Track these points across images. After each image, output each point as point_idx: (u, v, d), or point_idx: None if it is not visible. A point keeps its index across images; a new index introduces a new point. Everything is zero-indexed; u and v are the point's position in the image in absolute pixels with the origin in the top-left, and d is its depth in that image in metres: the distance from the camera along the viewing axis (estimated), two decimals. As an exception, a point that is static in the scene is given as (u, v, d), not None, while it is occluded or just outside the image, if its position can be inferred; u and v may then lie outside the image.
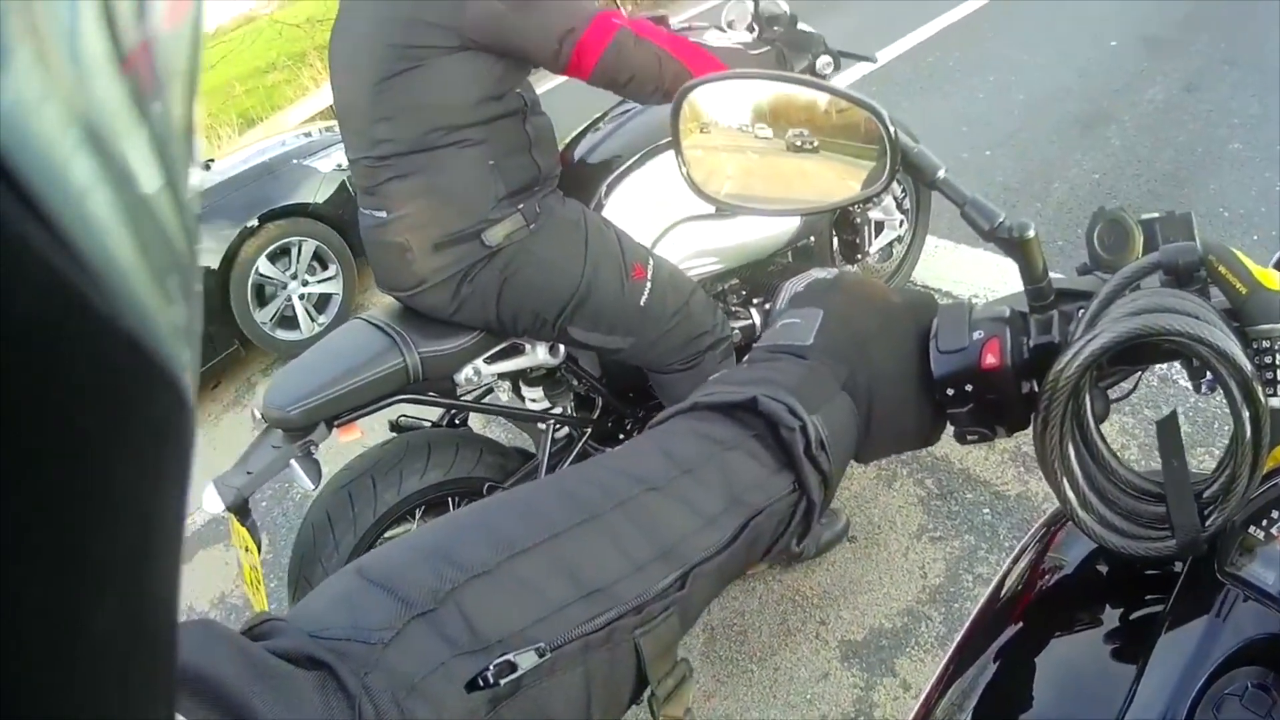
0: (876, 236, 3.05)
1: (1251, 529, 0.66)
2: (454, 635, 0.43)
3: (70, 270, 0.14)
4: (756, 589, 2.45)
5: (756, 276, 2.54)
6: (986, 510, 2.51)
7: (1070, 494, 0.64)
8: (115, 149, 0.16)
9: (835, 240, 2.88)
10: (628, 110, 2.38)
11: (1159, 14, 5.46)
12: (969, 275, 3.36)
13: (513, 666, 0.43)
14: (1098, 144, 4.25)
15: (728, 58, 2.01)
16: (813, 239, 2.66)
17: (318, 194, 4.42)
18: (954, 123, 4.79)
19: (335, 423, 1.92)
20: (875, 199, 2.59)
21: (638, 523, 0.50)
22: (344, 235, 4.47)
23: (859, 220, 2.90)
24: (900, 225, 3.10)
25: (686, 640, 2.32)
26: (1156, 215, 0.67)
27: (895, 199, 3.04)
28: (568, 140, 2.28)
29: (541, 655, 0.43)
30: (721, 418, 0.57)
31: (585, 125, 2.42)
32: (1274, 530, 0.65)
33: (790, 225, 2.49)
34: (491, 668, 0.42)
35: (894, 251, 3.19)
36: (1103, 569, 0.79)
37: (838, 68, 2.42)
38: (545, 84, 2.10)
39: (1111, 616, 0.74)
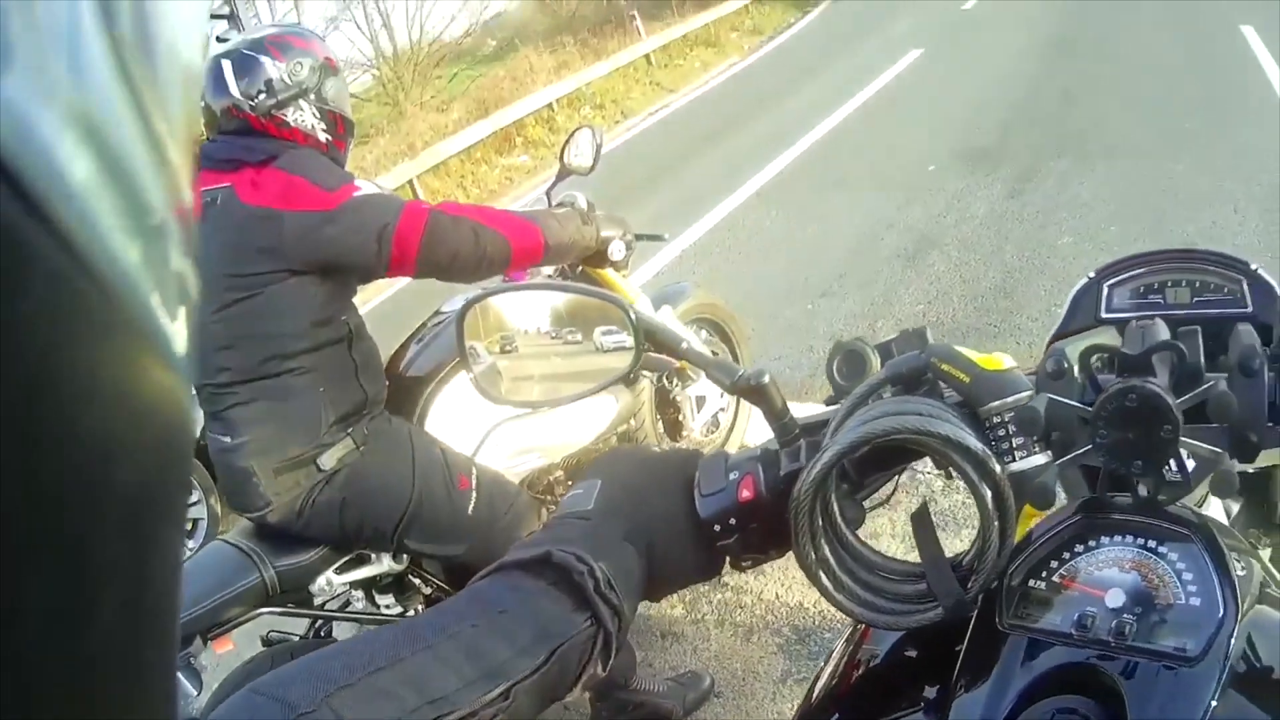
0: (699, 411, 3.09)
1: (1032, 582, 0.70)
2: None
3: (70, 270, 0.14)
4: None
5: (582, 464, 2.57)
6: (845, 645, 2.54)
7: (827, 583, 0.71)
8: (115, 149, 0.16)
9: (660, 422, 2.95)
10: (441, 320, 2.46)
11: (975, 126, 5.50)
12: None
13: None
14: (922, 273, 4.30)
15: (533, 217, 2.06)
16: (633, 422, 2.75)
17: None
18: (777, 282, 4.77)
19: (209, 636, 1.97)
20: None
21: (466, 650, 0.61)
22: (206, 462, 4.30)
23: (678, 398, 2.98)
24: (721, 396, 3.12)
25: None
26: (892, 337, 0.76)
27: None
28: (390, 356, 2.33)
29: None
30: (524, 572, 0.68)
31: (405, 339, 2.47)
32: (1054, 579, 0.69)
33: (610, 411, 2.57)
34: None
35: (720, 421, 3.21)
36: (911, 652, 0.83)
37: (631, 250, 2.42)
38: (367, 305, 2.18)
39: (922, 693, 0.78)
